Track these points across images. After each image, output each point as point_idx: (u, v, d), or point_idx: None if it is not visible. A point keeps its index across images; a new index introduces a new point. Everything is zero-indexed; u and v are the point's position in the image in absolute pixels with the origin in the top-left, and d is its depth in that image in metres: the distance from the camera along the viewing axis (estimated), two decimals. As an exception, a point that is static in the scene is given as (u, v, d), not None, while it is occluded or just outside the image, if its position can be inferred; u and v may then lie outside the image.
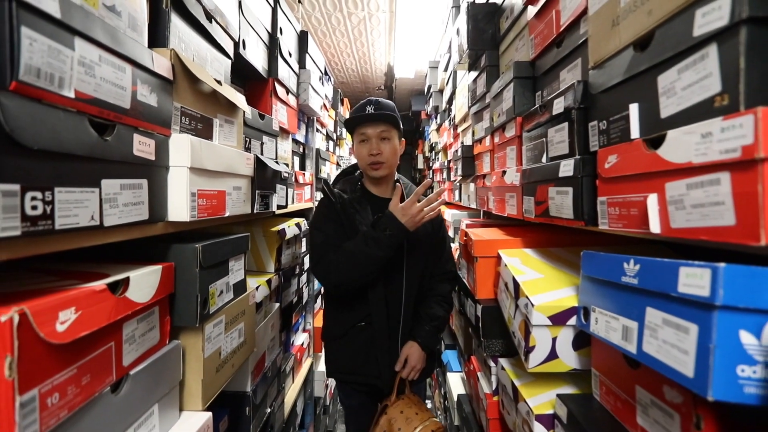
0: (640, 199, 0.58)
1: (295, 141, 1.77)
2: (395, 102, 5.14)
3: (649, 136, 0.56)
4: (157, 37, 0.68)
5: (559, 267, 0.95)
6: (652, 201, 0.56)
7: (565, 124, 0.79)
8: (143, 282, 0.60)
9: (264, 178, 1.04)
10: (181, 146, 0.66)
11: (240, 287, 0.94)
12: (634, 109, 0.61)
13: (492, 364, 1.10)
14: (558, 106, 0.82)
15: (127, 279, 0.56)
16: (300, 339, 1.88)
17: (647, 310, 0.55)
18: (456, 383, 1.86)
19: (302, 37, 1.60)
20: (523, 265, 0.97)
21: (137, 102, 0.57)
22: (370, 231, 1.13)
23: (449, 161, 2.49)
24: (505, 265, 0.98)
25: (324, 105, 1.98)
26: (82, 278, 0.53)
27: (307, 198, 1.81)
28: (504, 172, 1.16)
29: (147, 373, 0.62)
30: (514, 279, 0.90)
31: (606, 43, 0.68)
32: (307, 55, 1.59)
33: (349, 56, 3.34)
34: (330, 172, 2.34)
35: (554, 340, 0.80)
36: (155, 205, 0.63)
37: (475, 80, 1.53)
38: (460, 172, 1.76)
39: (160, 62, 0.62)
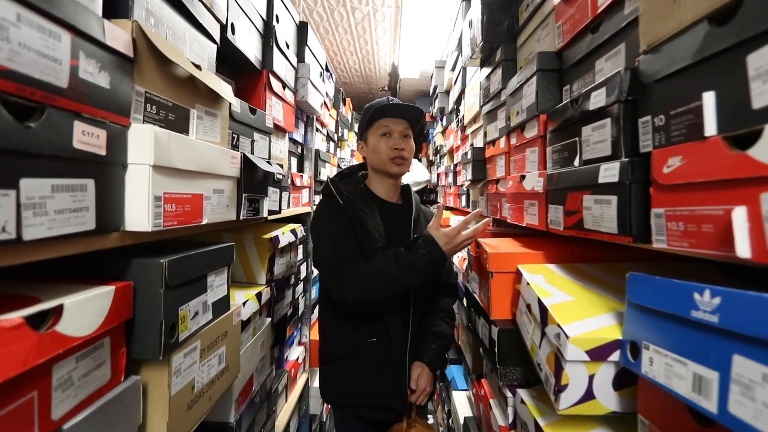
0: (718, 213, 0.46)
1: (292, 140, 1.64)
2: (399, 104, 5.03)
3: (735, 132, 0.44)
4: (117, 5, 0.56)
5: (590, 287, 0.82)
6: (740, 216, 0.43)
7: (607, 121, 0.67)
8: (85, 309, 0.47)
9: (253, 180, 0.92)
10: (143, 139, 0.54)
11: (222, 305, 0.82)
12: (709, 99, 0.48)
13: (509, 394, 0.97)
14: (597, 100, 0.69)
15: (60, 307, 0.43)
16: (295, 353, 1.75)
17: (735, 359, 0.42)
18: (462, 403, 1.73)
19: (301, 29, 1.48)
20: (549, 284, 0.84)
21: (79, 81, 0.45)
22: (406, 253, 1.00)
23: (456, 165, 2.36)
24: (528, 284, 0.86)
25: (325, 103, 1.86)
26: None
27: (305, 202, 1.68)
28: (523, 177, 1.04)
29: (91, 422, 0.49)
30: (540, 301, 0.77)
31: (664, 21, 0.56)
32: (306, 47, 1.48)
33: (353, 54, 3.22)
34: (330, 174, 2.22)
35: (591, 378, 0.66)
36: (106, 212, 0.51)
37: (488, 77, 1.40)
38: (469, 176, 1.63)
39: (116, 34, 0.50)
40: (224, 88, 0.78)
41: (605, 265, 0.93)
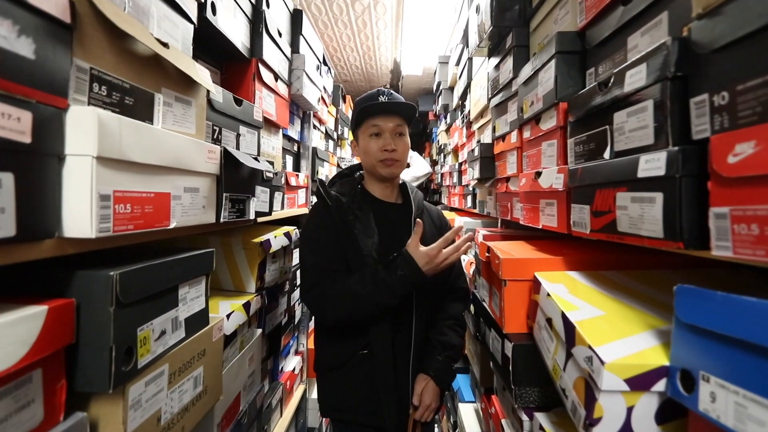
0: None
1: (287, 137, 1.54)
2: (401, 103, 4.92)
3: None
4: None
5: (621, 299, 0.71)
6: None
7: (647, 104, 0.56)
8: (3, 337, 0.37)
9: (236, 178, 0.82)
10: (83, 124, 0.44)
11: (198, 321, 0.71)
12: (798, 66, 0.38)
13: (524, 417, 0.86)
14: (634, 80, 0.58)
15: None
16: (291, 364, 1.64)
17: None
18: (469, 417, 1.62)
19: (296, 17, 1.38)
20: (572, 295, 0.73)
21: (-15, 46, 0.35)
22: (384, 272, 0.94)
23: (461, 163, 2.26)
24: (548, 295, 0.75)
25: (322, 98, 1.76)
26: None
27: (301, 203, 1.58)
28: (539, 174, 0.93)
29: (14, 478, 0.39)
30: (564, 316, 0.66)
31: (727, -25, 0.45)
32: (301, 37, 1.38)
33: (353, 50, 3.12)
34: (329, 174, 2.12)
35: (630, 410, 0.55)
36: (34, 215, 0.40)
37: (497, 66, 1.30)
38: (476, 174, 1.53)
39: (45, -7, 0.40)
40: (201, 74, 0.68)
41: (635, 272, 0.82)
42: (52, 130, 0.42)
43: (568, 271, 0.85)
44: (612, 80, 0.64)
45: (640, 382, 0.53)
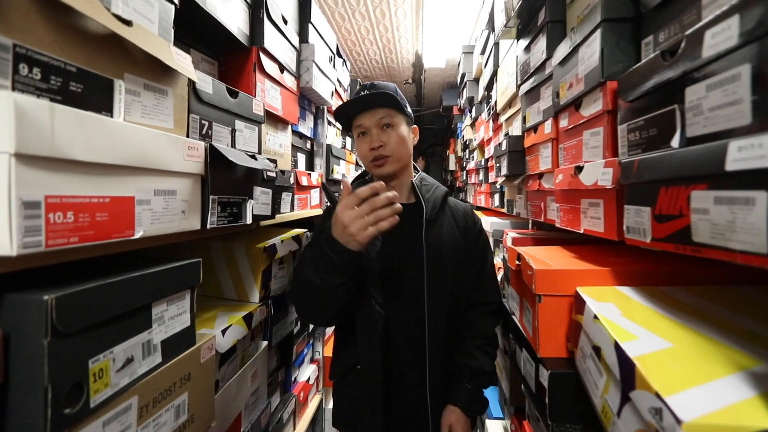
0: None
1: (298, 134, 1.45)
2: (425, 98, 4.77)
3: None
4: None
5: (693, 326, 0.56)
6: None
7: (740, 71, 0.41)
8: None
9: (226, 179, 0.73)
10: (-4, 113, 0.34)
11: (180, 342, 0.62)
12: None
13: (564, 458, 0.72)
14: (719, 40, 0.44)
15: None
16: (306, 373, 1.56)
17: None
18: (497, 435, 1.48)
19: (303, 4, 1.28)
20: (627, 318, 0.59)
21: None
22: (313, 250, 0.80)
23: (487, 159, 2.10)
24: (595, 317, 0.61)
25: (336, 92, 1.66)
26: None
27: (314, 204, 1.49)
28: (579, 169, 0.78)
29: None
30: (618, 348, 0.53)
31: None
32: (309, 25, 1.28)
33: (372, 44, 3.00)
34: (346, 173, 2.02)
35: (716, 484, 0.41)
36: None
37: (527, 48, 1.15)
38: (504, 171, 1.38)
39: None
40: (176, 57, 0.59)
41: (707, 288, 0.66)
42: (-45, 122, 0.33)
43: (618, 287, 0.70)
44: (683, 45, 0.49)
45: (732, 450, 0.39)
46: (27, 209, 0.37)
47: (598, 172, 0.71)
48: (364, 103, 0.91)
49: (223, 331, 0.80)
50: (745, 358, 0.47)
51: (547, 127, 1.00)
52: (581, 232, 0.82)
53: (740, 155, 0.40)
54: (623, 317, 0.59)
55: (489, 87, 1.92)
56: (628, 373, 0.50)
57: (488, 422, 1.61)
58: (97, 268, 0.53)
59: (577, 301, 0.70)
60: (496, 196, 1.82)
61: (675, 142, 0.51)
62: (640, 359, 0.49)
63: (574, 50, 0.81)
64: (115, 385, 0.49)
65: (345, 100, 2.07)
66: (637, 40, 0.68)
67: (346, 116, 0.95)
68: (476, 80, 2.59)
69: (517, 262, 0.91)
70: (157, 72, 0.57)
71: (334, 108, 1.76)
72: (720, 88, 0.44)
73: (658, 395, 0.43)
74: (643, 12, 0.66)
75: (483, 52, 2.08)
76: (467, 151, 3.06)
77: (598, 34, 0.70)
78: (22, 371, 0.39)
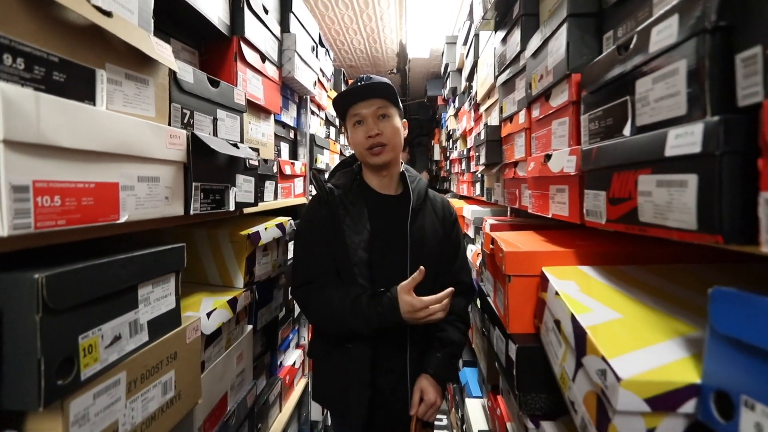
0: None
1: (281, 123, 1.47)
2: (409, 88, 4.78)
3: None
4: None
5: (643, 299, 0.61)
6: None
7: (679, 65, 0.46)
8: None
9: (208, 166, 0.75)
10: (-17, 101, 0.36)
11: (166, 322, 0.65)
12: None
13: (530, 425, 0.78)
14: (663, 36, 0.48)
15: None
16: (291, 358, 1.60)
17: None
18: (476, 413, 1.56)
19: (285, -8, 1.28)
20: (585, 294, 0.64)
21: None
22: (366, 302, 0.93)
23: (469, 149, 2.15)
24: (556, 293, 0.66)
25: (319, 81, 1.67)
26: None
27: (298, 192, 1.51)
28: (548, 157, 0.83)
29: None
30: (574, 319, 0.58)
31: None
32: (291, 15, 1.28)
33: (356, 33, 2.99)
34: (330, 162, 2.04)
35: (651, 433, 0.47)
36: None
37: (504, 39, 1.18)
38: (482, 159, 1.42)
39: None
40: (156, 47, 0.60)
41: (659, 267, 0.72)
42: (-56, 109, 0.35)
43: (580, 266, 0.75)
44: (634, 41, 0.53)
45: (663, 403, 0.45)
46: (16, 193, 0.39)
47: (563, 160, 0.76)
48: (362, 93, 0.95)
49: (208, 314, 0.83)
50: (684, 326, 0.53)
51: (521, 117, 1.05)
52: (550, 216, 0.87)
53: (677, 142, 0.45)
54: (581, 293, 0.64)
55: (470, 77, 1.95)
56: (580, 342, 0.55)
57: (468, 401, 1.68)
58: (85, 251, 0.55)
59: (542, 280, 0.75)
60: (477, 185, 1.87)
61: (626, 130, 0.56)
62: (592, 328, 0.54)
63: (545, 43, 0.85)
64: (104, 360, 0.51)
65: (328, 89, 2.08)
66: (599, 34, 0.72)
67: (343, 106, 0.99)
68: (459, 71, 2.62)
69: (491, 246, 0.96)
70: (138, 62, 0.59)
71: (317, 98, 1.78)
72: (663, 81, 0.48)
73: (603, 358, 0.48)
74: (605, 8, 0.70)
75: (465, 43, 2.11)
76: (451, 141, 3.10)
77: (564, 28, 0.74)
78: (16, 345, 0.41)
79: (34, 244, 0.43)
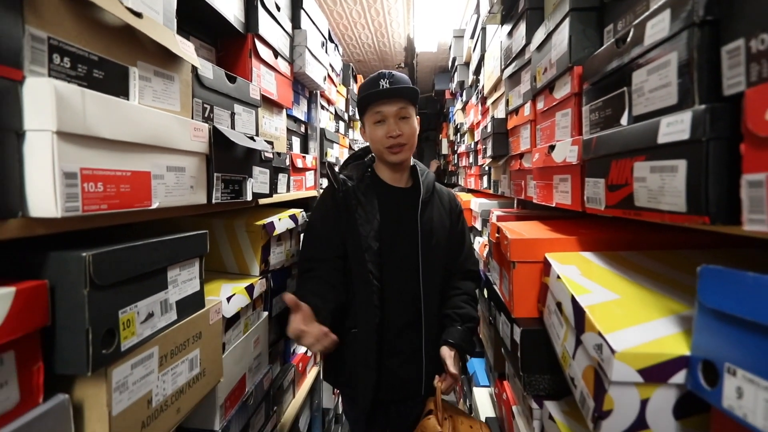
0: None
1: (293, 118, 1.51)
2: (417, 81, 4.78)
3: None
4: None
5: (639, 281, 0.64)
6: None
7: (671, 57, 0.48)
8: (-39, 320, 0.36)
9: (228, 158, 0.79)
10: (39, 97, 0.41)
11: (192, 303, 0.70)
12: None
13: (534, 405, 0.82)
14: (656, 30, 0.51)
15: None
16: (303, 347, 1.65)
17: None
18: (484, 401, 1.59)
19: (296, -11, 1.32)
20: (585, 277, 0.68)
21: None
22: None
23: (476, 142, 2.17)
24: (558, 277, 0.69)
25: (329, 77, 1.71)
26: None
27: (309, 185, 1.56)
28: (552, 147, 0.86)
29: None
30: (574, 300, 0.61)
31: None
32: (302, 11, 1.32)
33: (364, 28, 3.02)
34: (339, 156, 2.08)
35: (644, 403, 0.50)
36: (-8, 193, 0.39)
37: (510, 33, 1.20)
38: (489, 152, 1.45)
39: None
40: (181, 45, 0.65)
41: (656, 252, 0.75)
42: (6, 104, 0.40)
43: (582, 252, 0.78)
44: (631, 34, 0.56)
45: (655, 374, 0.48)
46: (67, 179, 0.43)
47: (566, 150, 0.79)
48: (388, 93, 0.99)
49: (228, 299, 0.88)
50: (676, 305, 0.56)
51: (527, 109, 1.07)
52: (554, 205, 0.90)
53: (668, 130, 0.48)
54: (582, 276, 0.68)
55: (477, 71, 1.97)
56: (579, 320, 0.58)
57: (476, 390, 1.72)
58: (118, 237, 0.60)
59: (545, 266, 0.78)
60: (485, 178, 1.90)
61: (624, 120, 0.59)
62: (590, 308, 0.57)
63: (548, 37, 0.87)
64: (140, 334, 0.56)
65: (337, 84, 2.11)
66: (601, 28, 0.75)
67: (366, 100, 1.02)
68: (466, 64, 2.63)
69: (497, 235, 0.99)
70: (165, 59, 0.63)
71: (326, 93, 1.81)
72: (656, 72, 0.51)
73: (600, 334, 0.52)
74: (606, 2, 0.73)
75: (473, 36, 2.13)
76: (459, 134, 3.12)
77: (566, 22, 0.77)
78: (67, 317, 0.46)
79: (80, 226, 0.48)
